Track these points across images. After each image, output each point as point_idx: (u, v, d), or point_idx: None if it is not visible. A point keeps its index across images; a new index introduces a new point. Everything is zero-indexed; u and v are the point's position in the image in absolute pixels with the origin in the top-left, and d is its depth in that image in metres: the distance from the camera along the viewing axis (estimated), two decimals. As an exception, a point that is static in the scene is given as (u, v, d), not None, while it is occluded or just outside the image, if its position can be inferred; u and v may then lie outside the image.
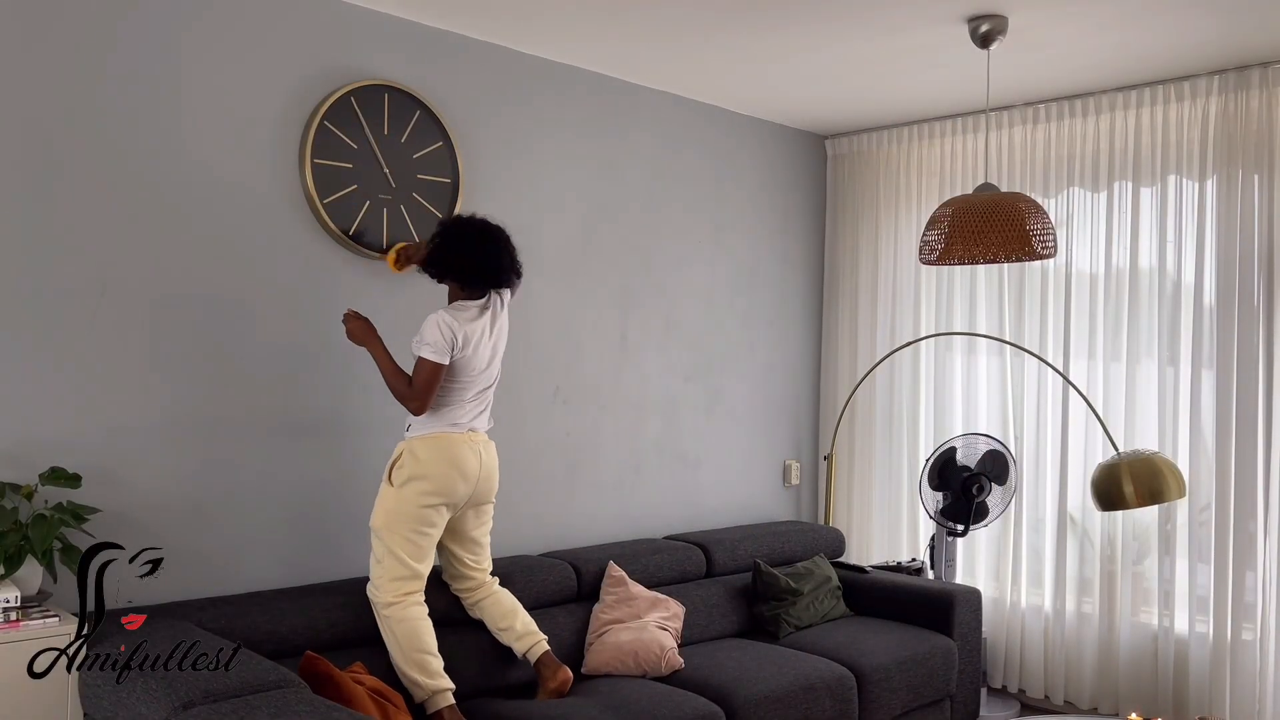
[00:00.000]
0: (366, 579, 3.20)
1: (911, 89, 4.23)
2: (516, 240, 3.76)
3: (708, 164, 4.50)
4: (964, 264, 3.57)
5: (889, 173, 4.86)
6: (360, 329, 3.04)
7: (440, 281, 3.06)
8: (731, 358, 4.63)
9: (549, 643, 3.25)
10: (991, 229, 3.37)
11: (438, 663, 2.92)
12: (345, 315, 3.08)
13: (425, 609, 2.98)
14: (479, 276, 3.01)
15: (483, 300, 3.06)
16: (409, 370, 2.97)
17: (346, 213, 3.29)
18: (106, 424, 2.83)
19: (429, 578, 3.20)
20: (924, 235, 3.58)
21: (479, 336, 3.00)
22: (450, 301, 3.05)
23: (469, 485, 2.99)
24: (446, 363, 2.93)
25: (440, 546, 3.14)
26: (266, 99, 3.12)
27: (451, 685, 2.92)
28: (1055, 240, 3.47)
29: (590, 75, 4.02)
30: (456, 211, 3.54)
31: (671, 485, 4.37)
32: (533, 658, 3.11)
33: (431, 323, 2.93)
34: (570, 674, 3.11)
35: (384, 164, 3.37)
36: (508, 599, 3.19)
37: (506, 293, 3.15)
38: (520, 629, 3.13)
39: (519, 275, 3.13)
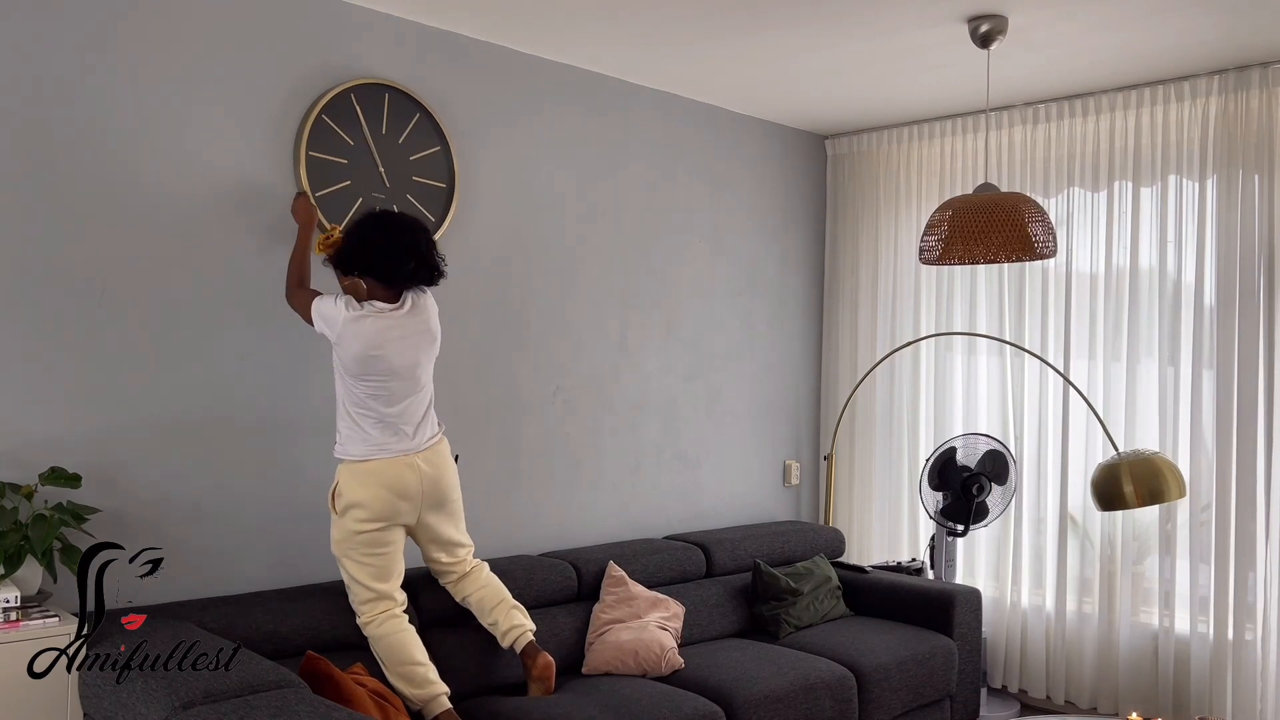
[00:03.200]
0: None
1: (911, 89, 4.23)
2: (517, 239, 3.78)
3: (708, 164, 4.50)
4: (964, 264, 3.57)
5: (889, 173, 4.86)
6: (303, 208, 3.05)
7: (347, 275, 2.93)
8: (731, 358, 4.63)
9: (539, 635, 3.26)
10: (991, 229, 3.37)
11: (425, 670, 2.90)
12: (298, 194, 3.09)
13: (403, 619, 2.94)
14: (385, 270, 2.87)
15: (396, 304, 2.93)
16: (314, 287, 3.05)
17: (338, 208, 3.28)
18: (106, 424, 2.83)
19: (424, 575, 3.21)
20: (924, 235, 3.58)
21: (380, 336, 2.84)
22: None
23: (412, 502, 2.92)
24: (317, 327, 2.88)
25: (418, 546, 3.13)
26: (266, 92, 3.12)
27: (444, 689, 2.90)
28: (1055, 240, 3.47)
29: (590, 75, 4.02)
30: (450, 216, 3.54)
31: (671, 485, 4.37)
32: (518, 648, 3.10)
33: (335, 295, 2.90)
34: (551, 660, 3.08)
35: (380, 163, 3.37)
36: (494, 592, 3.15)
37: (428, 299, 3.01)
38: (505, 623, 3.11)
39: (436, 272, 2.97)
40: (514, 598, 3.37)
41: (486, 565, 3.20)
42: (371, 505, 2.86)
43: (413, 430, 2.94)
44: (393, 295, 2.95)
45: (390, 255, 2.87)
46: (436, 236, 3.51)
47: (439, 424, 3.05)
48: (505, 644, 3.11)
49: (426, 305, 3.00)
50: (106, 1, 2.81)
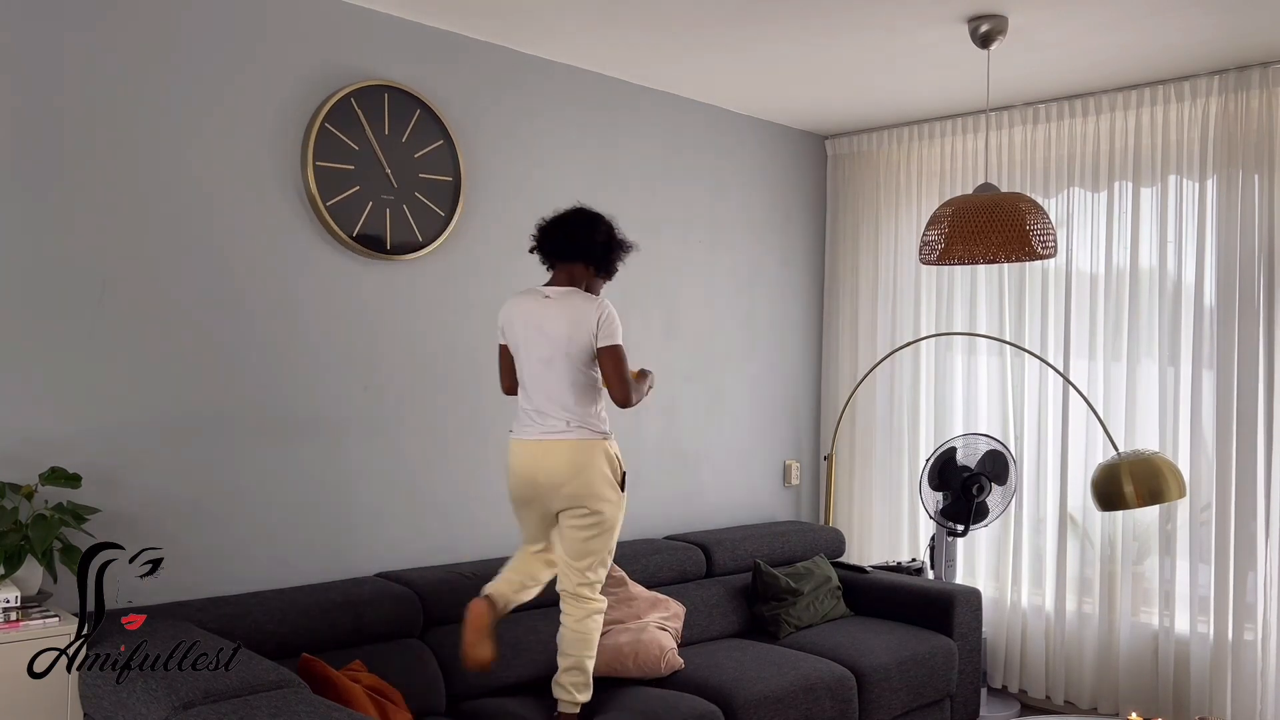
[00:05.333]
0: (365, 578, 3.23)
1: (911, 89, 4.23)
2: (517, 237, 3.78)
3: (708, 164, 4.50)
4: (964, 264, 3.57)
5: (889, 173, 4.86)
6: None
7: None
8: (731, 358, 4.62)
9: (540, 635, 3.29)
10: (992, 229, 3.36)
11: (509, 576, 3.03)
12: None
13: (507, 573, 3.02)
14: (539, 248, 3.05)
15: (552, 285, 3.00)
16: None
17: (350, 215, 3.28)
18: (106, 424, 2.83)
19: (428, 576, 3.21)
20: (924, 235, 3.57)
21: (521, 317, 2.97)
22: None
23: (521, 486, 2.93)
24: (501, 342, 3.08)
25: None
26: (267, 101, 3.12)
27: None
28: (1055, 240, 3.47)
29: (590, 75, 4.01)
30: (459, 209, 3.54)
31: (671, 485, 4.37)
32: (559, 709, 3.00)
33: None
34: None
35: (385, 164, 3.37)
36: (566, 635, 3.00)
37: (592, 306, 2.91)
38: (558, 677, 3.00)
39: (585, 253, 2.99)
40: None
41: (598, 605, 3.04)
42: (508, 480, 3.02)
43: (539, 418, 2.94)
44: (559, 281, 3.02)
45: (543, 234, 3.04)
46: (447, 231, 3.51)
47: (591, 423, 2.93)
48: (554, 694, 3.01)
49: (581, 308, 2.92)
50: (106, 12, 2.81)
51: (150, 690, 2.21)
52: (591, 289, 3.04)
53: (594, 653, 3.00)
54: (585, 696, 2.98)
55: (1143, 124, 4.09)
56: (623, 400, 2.91)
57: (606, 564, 3.02)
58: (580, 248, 2.99)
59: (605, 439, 2.94)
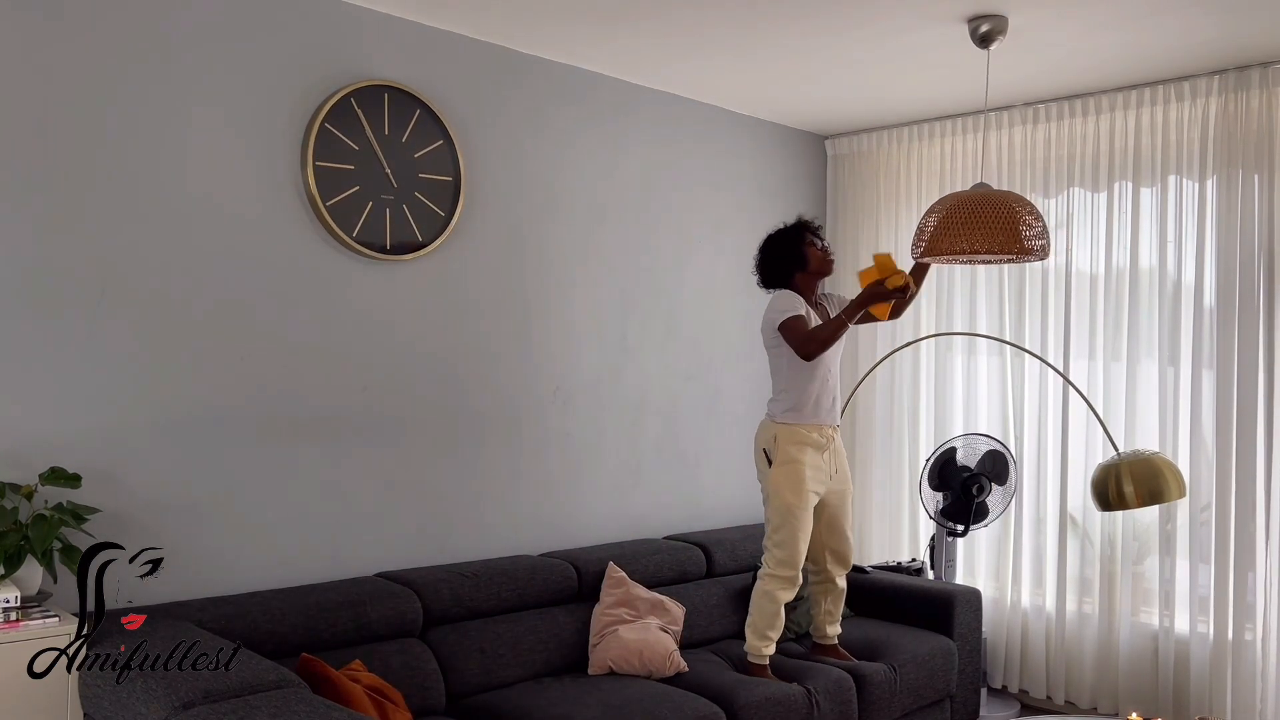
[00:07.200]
0: (365, 578, 3.23)
1: (911, 89, 4.23)
2: (516, 237, 3.78)
3: (707, 164, 4.50)
4: (954, 255, 3.48)
5: (889, 173, 4.86)
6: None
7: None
8: (731, 358, 4.62)
9: (540, 634, 3.30)
10: (981, 220, 3.32)
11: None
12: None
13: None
14: None
15: None
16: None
17: (349, 215, 3.28)
18: (106, 424, 2.83)
19: (427, 576, 3.23)
20: (917, 229, 3.55)
21: None
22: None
23: None
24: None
25: None
26: (267, 101, 3.12)
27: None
28: (1047, 238, 3.42)
29: (590, 75, 4.02)
30: (459, 210, 3.54)
31: (671, 485, 4.37)
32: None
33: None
34: None
35: (385, 164, 3.37)
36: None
37: (770, 298, 3.54)
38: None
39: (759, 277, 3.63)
40: (515, 598, 3.39)
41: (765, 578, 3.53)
42: None
43: None
44: None
45: None
46: (447, 231, 3.52)
47: (769, 408, 3.56)
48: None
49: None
50: (108, 13, 2.81)
51: (150, 690, 2.21)
52: (792, 288, 3.52)
53: (759, 618, 3.48)
54: (755, 648, 3.47)
55: (1143, 124, 4.09)
56: (803, 356, 3.40)
57: (773, 539, 3.46)
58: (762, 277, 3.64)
59: (770, 420, 3.50)
